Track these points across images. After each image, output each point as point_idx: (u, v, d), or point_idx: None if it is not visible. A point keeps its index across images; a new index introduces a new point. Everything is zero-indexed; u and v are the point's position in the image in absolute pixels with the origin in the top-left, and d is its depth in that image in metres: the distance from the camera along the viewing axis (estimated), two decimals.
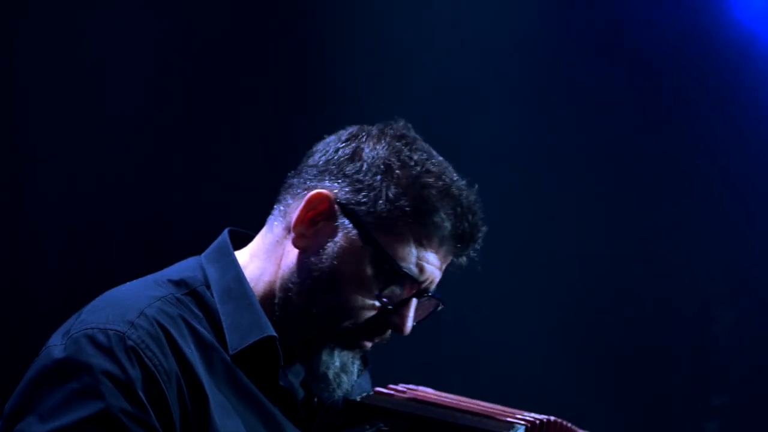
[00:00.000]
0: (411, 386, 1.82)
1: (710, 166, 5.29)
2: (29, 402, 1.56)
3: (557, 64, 5.26)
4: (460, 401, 1.73)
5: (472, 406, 1.72)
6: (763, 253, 5.10)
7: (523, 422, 1.62)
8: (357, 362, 1.73)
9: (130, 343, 1.55)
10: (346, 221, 1.69)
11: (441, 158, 1.77)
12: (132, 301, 1.59)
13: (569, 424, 1.73)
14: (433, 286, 1.75)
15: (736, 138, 5.13)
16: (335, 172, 1.71)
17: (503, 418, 1.64)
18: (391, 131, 1.76)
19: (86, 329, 1.55)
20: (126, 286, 1.69)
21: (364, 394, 1.75)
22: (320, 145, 1.75)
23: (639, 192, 5.22)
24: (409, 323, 1.71)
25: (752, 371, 5.09)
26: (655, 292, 5.15)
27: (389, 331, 1.70)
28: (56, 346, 1.57)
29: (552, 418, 1.68)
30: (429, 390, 1.80)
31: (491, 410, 1.73)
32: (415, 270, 1.68)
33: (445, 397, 1.76)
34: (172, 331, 1.57)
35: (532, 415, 1.70)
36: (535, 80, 4.97)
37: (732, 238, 5.20)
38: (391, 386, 1.76)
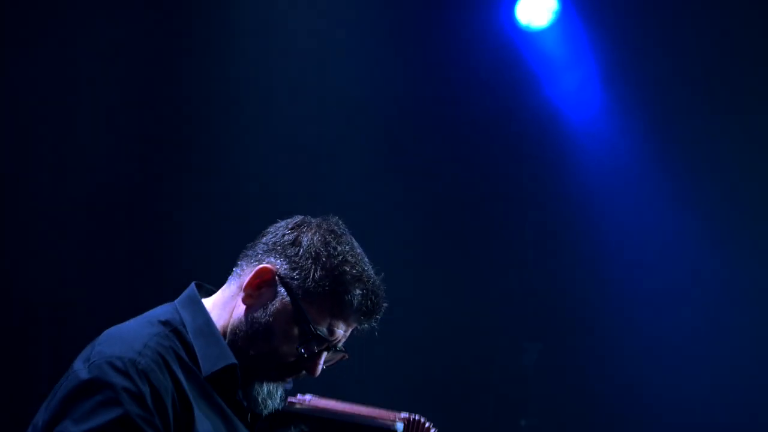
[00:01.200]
0: (307, 396, 2.37)
1: (518, 229, 6.02)
2: (64, 411, 1.99)
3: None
4: (351, 406, 2.29)
5: (361, 409, 2.28)
6: (561, 301, 5.86)
7: (402, 419, 2.20)
8: (280, 391, 2.21)
9: (140, 367, 1.99)
10: (283, 290, 2.13)
11: (360, 250, 2.21)
12: (136, 336, 2.07)
13: (431, 427, 2.31)
14: (341, 344, 2.20)
15: (546, 204, 5.88)
16: (280, 252, 2.16)
17: (388, 417, 2.22)
18: (325, 225, 2.20)
19: (106, 358, 2.01)
20: (127, 324, 2.15)
21: (283, 405, 2.25)
22: (272, 228, 2.23)
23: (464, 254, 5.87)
24: (319, 369, 2.18)
25: (552, 396, 5.72)
26: (478, 332, 5.76)
27: (304, 372, 2.18)
28: (81, 370, 2.00)
29: (422, 418, 2.27)
30: (322, 399, 2.35)
31: (377, 412, 2.28)
32: (326, 332, 2.14)
33: (339, 403, 2.30)
34: (168, 358, 2.05)
35: (406, 414, 2.28)
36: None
37: (537, 288, 5.92)
38: (298, 396, 2.31)
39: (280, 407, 2.19)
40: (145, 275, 5.22)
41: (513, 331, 5.90)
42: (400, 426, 2.20)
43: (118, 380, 1.96)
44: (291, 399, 2.27)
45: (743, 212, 5.40)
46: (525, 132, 5.78)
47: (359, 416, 2.22)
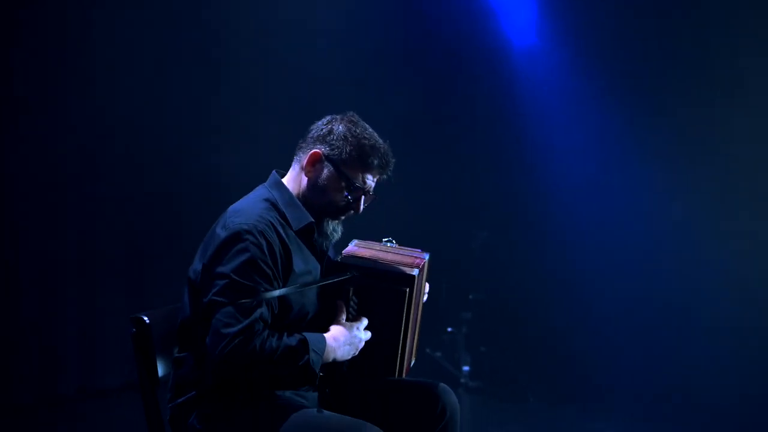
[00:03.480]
0: (354, 240, 3.26)
1: (472, 139, 6.76)
2: (215, 259, 2.87)
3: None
4: (384, 253, 3.17)
5: (388, 256, 3.15)
6: (505, 196, 6.65)
7: (416, 265, 3.11)
8: (339, 227, 3.14)
9: (259, 228, 2.89)
10: (329, 165, 3.06)
11: (371, 130, 3.11)
12: (252, 210, 2.99)
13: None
14: (371, 190, 3.10)
15: (496, 117, 6.63)
16: (321, 140, 3.08)
17: (408, 263, 3.12)
18: (347, 117, 3.12)
19: (237, 224, 2.89)
20: (243, 202, 3.06)
21: (338, 258, 3.18)
22: (313, 127, 3.13)
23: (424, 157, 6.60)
24: (361, 207, 3.09)
25: (496, 275, 6.56)
26: (436, 221, 6.67)
27: (352, 211, 3.10)
28: (222, 233, 2.89)
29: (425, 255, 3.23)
30: (362, 242, 3.24)
31: (400, 257, 3.15)
32: (361, 183, 3.06)
33: (374, 248, 3.20)
34: (274, 222, 3.00)
35: (421, 257, 3.17)
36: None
37: (485, 185, 6.75)
38: (348, 249, 3.21)
39: (339, 238, 3.17)
40: None
41: (465, 220, 6.76)
42: (416, 272, 3.13)
43: (248, 237, 2.89)
44: (343, 251, 3.25)
45: (673, 127, 5.91)
46: (479, 57, 6.58)
47: (387, 264, 3.14)
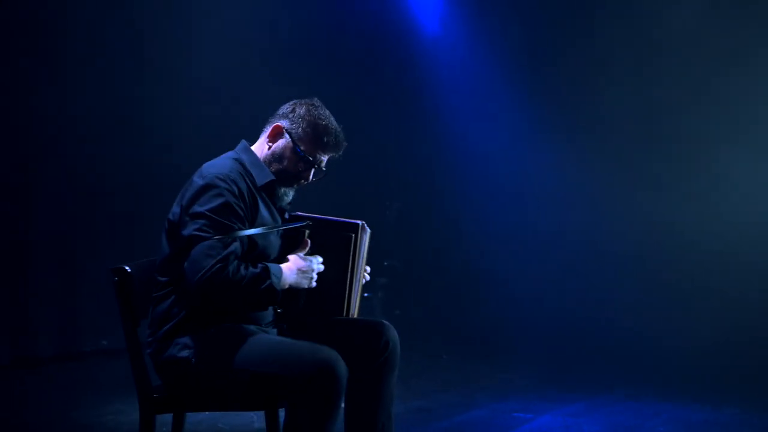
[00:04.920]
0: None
1: (383, 115, 7.25)
2: (192, 201, 3.28)
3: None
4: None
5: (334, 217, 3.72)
6: (416, 171, 7.28)
7: (360, 221, 3.69)
8: (291, 192, 3.59)
9: (231, 177, 3.35)
10: (288, 136, 3.54)
11: (328, 113, 3.56)
12: (224, 165, 3.45)
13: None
14: (323, 165, 3.56)
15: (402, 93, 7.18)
16: (284, 116, 3.54)
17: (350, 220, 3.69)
18: (308, 101, 3.58)
19: (212, 174, 3.38)
20: (216, 160, 3.50)
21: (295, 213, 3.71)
22: (282, 106, 3.64)
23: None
24: (311, 177, 3.53)
25: (409, 243, 7.14)
26: (354, 193, 7.05)
27: (303, 180, 3.55)
28: (199, 180, 3.34)
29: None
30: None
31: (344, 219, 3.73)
32: (312, 158, 3.52)
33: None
34: (243, 174, 3.47)
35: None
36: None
37: (398, 161, 7.36)
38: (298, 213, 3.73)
39: (290, 203, 3.66)
40: None
41: (379, 193, 7.30)
42: (360, 222, 3.64)
43: (222, 184, 3.35)
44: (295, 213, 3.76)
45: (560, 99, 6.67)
46: (389, 36, 7.12)
47: (336, 218, 3.67)
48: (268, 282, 3.35)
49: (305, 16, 6.90)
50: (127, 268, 3.51)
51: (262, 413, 4.19)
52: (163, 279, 3.49)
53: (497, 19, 6.82)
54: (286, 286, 3.44)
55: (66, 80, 6.28)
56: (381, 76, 7.26)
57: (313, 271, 3.53)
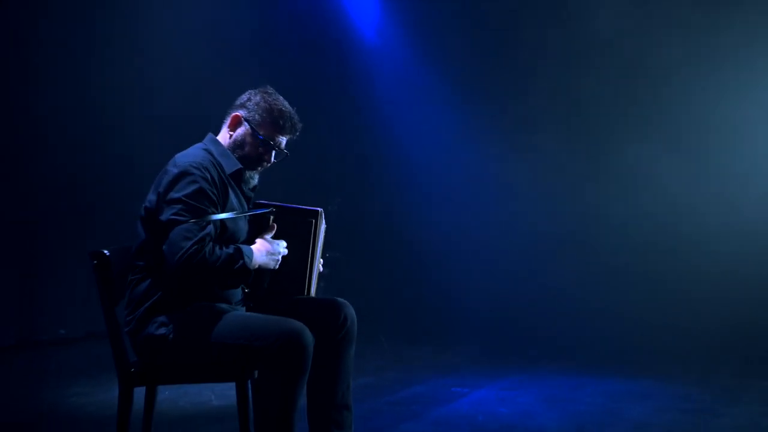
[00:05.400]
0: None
1: (331, 116, 7.53)
2: (168, 188, 3.52)
3: None
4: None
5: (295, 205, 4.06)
6: (354, 166, 7.64)
7: (319, 208, 4.03)
8: (256, 175, 3.87)
9: (204, 165, 3.58)
10: (246, 124, 3.79)
11: (283, 99, 3.84)
12: (196, 155, 3.66)
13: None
14: (282, 147, 3.83)
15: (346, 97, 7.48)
16: (241, 106, 3.80)
17: (309, 207, 4.03)
18: (263, 89, 3.84)
19: (186, 163, 3.65)
20: (188, 151, 3.74)
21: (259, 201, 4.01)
22: (239, 97, 3.85)
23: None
24: (272, 159, 3.81)
25: (349, 235, 7.37)
26: (297, 191, 7.30)
27: (266, 163, 3.83)
28: (173, 169, 3.58)
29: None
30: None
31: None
32: (272, 141, 3.79)
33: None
34: (213, 164, 3.75)
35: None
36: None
37: (338, 160, 7.72)
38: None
39: (255, 187, 3.98)
40: None
41: (322, 189, 7.61)
42: (320, 209, 4.01)
43: (196, 171, 3.62)
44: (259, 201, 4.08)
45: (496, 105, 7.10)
46: (332, 43, 7.49)
47: (297, 206, 4.03)
48: (241, 262, 3.63)
49: (249, 16, 7.17)
50: (105, 252, 3.79)
51: (220, 391, 4.51)
52: (140, 263, 3.74)
53: (432, 26, 7.22)
54: (257, 266, 3.73)
55: (42, 76, 6.50)
56: (323, 77, 7.57)
57: (279, 254, 3.83)
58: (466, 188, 7.18)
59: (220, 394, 5.35)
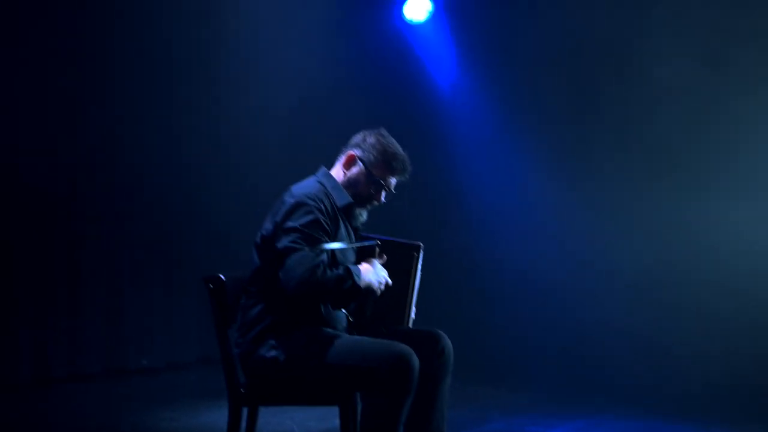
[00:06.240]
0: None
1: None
2: (285, 217, 3.74)
3: None
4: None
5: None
6: (424, 208, 7.80)
7: (419, 242, 4.23)
8: (365, 213, 4.04)
9: (319, 197, 3.80)
10: (361, 164, 3.97)
11: (395, 142, 4.01)
12: (311, 187, 3.86)
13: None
14: (392, 188, 4.01)
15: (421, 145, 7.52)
16: (356, 146, 4.01)
17: (411, 241, 4.22)
18: (377, 131, 4.03)
19: (301, 194, 3.79)
20: (303, 183, 3.92)
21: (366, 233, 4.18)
22: (355, 136, 4.06)
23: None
24: (383, 199, 3.99)
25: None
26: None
27: (375, 202, 4.01)
28: (290, 200, 3.77)
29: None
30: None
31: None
32: (383, 181, 3.96)
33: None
34: (327, 196, 3.84)
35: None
36: None
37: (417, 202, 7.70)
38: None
39: (364, 220, 4.15)
40: None
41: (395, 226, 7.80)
42: (420, 243, 4.19)
43: (311, 202, 3.81)
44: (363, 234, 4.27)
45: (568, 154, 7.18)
46: (409, 93, 7.67)
47: (401, 240, 4.21)
48: (350, 282, 3.80)
49: (333, 64, 7.40)
50: (221, 276, 4.02)
51: (323, 414, 4.62)
52: (254, 288, 3.94)
53: (506, 73, 7.39)
54: (365, 285, 3.86)
55: (142, 104, 6.72)
56: (401, 120, 7.58)
57: (383, 278, 3.98)
58: (539, 230, 7.31)
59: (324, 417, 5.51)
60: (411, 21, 7.20)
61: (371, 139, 4.07)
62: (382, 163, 4.03)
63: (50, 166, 6.34)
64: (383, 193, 4.08)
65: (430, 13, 7.19)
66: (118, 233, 6.59)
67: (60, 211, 6.41)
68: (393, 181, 4.09)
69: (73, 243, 6.39)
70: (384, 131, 4.12)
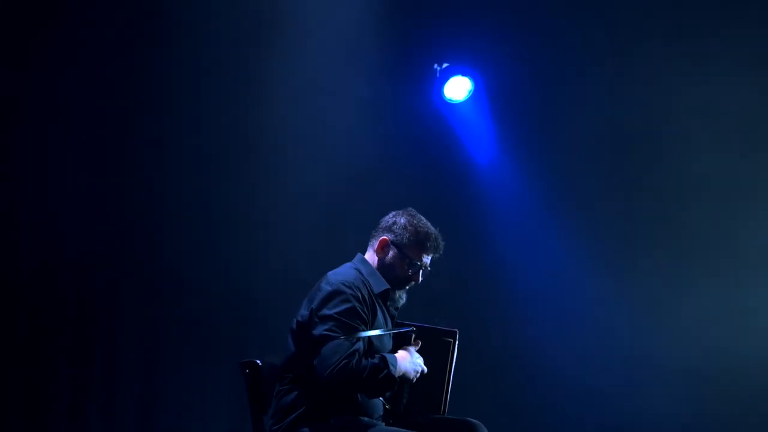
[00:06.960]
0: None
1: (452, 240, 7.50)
2: (321, 305, 3.73)
3: None
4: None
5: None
6: (458, 287, 7.80)
7: (456, 329, 4.21)
8: (404, 295, 4.07)
9: (356, 284, 3.79)
10: (394, 248, 3.99)
11: (425, 220, 4.02)
12: (348, 274, 3.86)
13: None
14: (428, 266, 4.02)
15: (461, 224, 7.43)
16: (388, 229, 4.02)
17: (447, 327, 4.22)
18: (407, 211, 4.05)
19: (338, 282, 3.79)
20: (340, 269, 3.92)
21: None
22: (382, 220, 4.07)
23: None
24: (420, 279, 3.99)
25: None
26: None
27: (413, 282, 4.03)
28: (327, 287, 3.77)
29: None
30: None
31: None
32: (418, 261, 3.98)
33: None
34: (364, 283, 3.85)
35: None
36: None
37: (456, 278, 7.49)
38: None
39: (404, 303, 4.17)
40: None
41: (430, 308, 7.76)
42: (457, 330, 4.18)
43: (348, 290, 3.82)
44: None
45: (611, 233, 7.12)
46: (448, 172, 7.60)
47: (436, 326, 4.22)
48: (385, 371, 3.79)
49: (375, 143, 7.30)
50: (258, 362, 4.04)
51: None
52: (289, 375, 3.93)
53: (543, 158, 7.39)
54: (401, 374, 3.88)
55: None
56: (439, 200, 7.59)
57: (419, 366, 3.98)
58: (578, 315, 7.23)
59: None
60: (451, 100, 7.20)
61: (402, 221, 4.10)
62: (415, 244, 4.05)
63: (93, 245, 6.37)
64: (420, 274, 4.09)
65: (469, 92, 7.18)
66: (157, 315, 6.59)
67: (99, 295, 6.38)
68: (428, 259, 4.10)
69: (112, 328, 6.42)
70: (413, 210, 4.15)
